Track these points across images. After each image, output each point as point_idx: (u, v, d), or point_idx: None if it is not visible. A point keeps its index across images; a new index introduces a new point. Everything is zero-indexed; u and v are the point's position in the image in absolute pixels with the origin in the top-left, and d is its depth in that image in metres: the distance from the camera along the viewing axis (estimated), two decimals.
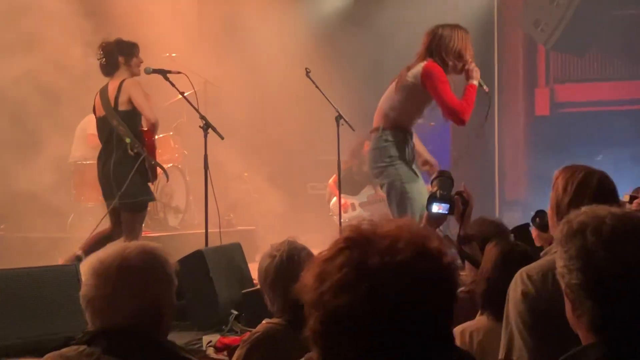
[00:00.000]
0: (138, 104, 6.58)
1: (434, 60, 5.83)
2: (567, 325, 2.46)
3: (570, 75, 12.37)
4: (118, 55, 6.72)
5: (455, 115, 5.90)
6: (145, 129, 6.81)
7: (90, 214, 9.26)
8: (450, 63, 5.87)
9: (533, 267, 2.78)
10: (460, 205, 3.94)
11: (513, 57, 12.39)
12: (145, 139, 6.67)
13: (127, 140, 6.58)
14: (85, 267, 2.46)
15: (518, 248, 3.38)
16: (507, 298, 2.78)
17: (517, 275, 2.78)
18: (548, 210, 3.03)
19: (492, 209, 11.86)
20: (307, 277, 1.43)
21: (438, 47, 5.90)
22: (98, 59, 6.78)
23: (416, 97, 5.90)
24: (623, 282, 1.89)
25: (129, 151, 6.57)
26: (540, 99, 12.28)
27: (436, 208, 3.99)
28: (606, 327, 1.92)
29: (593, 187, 2.85)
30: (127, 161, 6.59)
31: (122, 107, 6.66)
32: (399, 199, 5.80)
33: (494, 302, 3.16)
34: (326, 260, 1.41)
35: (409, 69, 5.91)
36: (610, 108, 11.96)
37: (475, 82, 5.99)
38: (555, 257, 2.03)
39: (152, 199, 6.88)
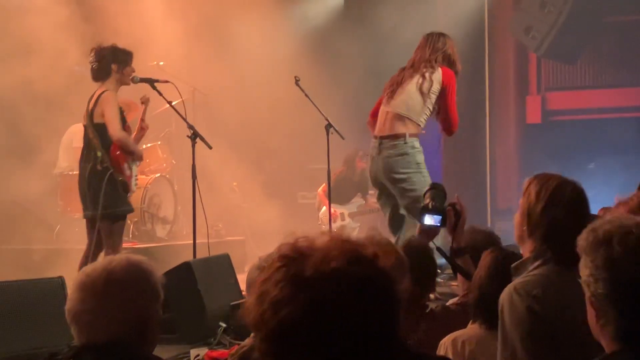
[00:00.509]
0: (107, 118, 6.51)
1: (448, 68, 6.12)
2: (575, 338, 2.41)
3: (561, 83, 12.33)
4: (112, 62, 6.64)
5: (453, 126, 6.22)
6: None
7: (77, 225, 9.16)
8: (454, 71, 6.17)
9: (528, 282, 2.77)
10: (452, 218, 3.92)
11: (504, 64, 12.35)
12: (112, 153, 6.55)
13: (98, 154, 6.51)
14: (72, 281, 2.40)
15: (513, 257, 3.31)
16: (503, 314, 2.74)
17: (512, 292, 2.76)
18: (516, 217, 2.99)
19: (484, 217, 11.79)
20: (249, 301, 1.46)
21: (446, 55, 6.25)
22: (90, 63, 6.68)
23: (436, 102, 6.16)
24: None
25: (97, 165, 6.49)
26: (531, 107, 12.24)
27: (429, 220, 3.98)
28: (631, 336, 1.93)
29: (567, 196, 2.85)
30: (98, 173, 6.51)
31: (96, 119, 6.59)
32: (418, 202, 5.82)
33: (486, 311, 3.15)
34: (264, 281, 1.44)
35: (422, 74, 6.14)
36: (602, 116, 11.93)
37: None
38: (580, 265, 2.05)
39: (126, 210, 6.72)
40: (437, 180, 12.40)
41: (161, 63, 9.68)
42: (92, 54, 6.68)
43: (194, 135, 6.85)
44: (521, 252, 3.02)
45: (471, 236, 4.14)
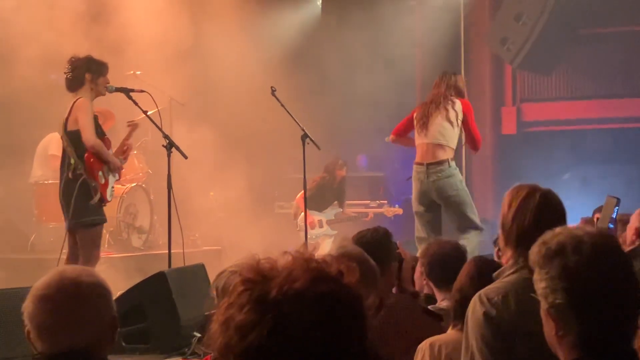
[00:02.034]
0: (80, 125, 6.47)
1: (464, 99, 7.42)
2: (532, 345, 2.44)
3: (536, 94, 12.43)
4: (85, 72, 6.60)
5: (478, 144, 7.57)
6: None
7: (52, 234, 9.10)
8: None
9: (492, 289, 2.83)
10: (395, 263, 4.00)
11: (480, 75, 12.43)
12: (86, 160, 6.51)
13: (72, 161, 6.48)
14: (32, 291, 2.39)
15: (492, 264, 3.44)
16: (467, 319, 2.80)
17: (475, 298, 2.83)
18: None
19: None
20: (213, 328, 1.44)
21: (457, 89, 7.45)
22: (65, 73, 6.65)
23: (461, 127, 7.41)
24: (607, 299, 1.95)
25: (70, 174, 6.47)
26: (506, 118, 12.33)
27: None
28: (591, 343, 1.96)
29: (535, 202, 2.90)
30: (71, 181, 6.48)
31: (70, 127, 6.55)
32: (470, 210, 7.39)
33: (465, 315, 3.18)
34: (229, 306, 1.42)
35: (446, 108, 7.32)
36: (577, 127, 12.04)
37: None
38: (534, 280, 2.07)
39: (98, 220, 6.66)
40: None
41: (138, 72, 9.65)
42: (67, 64, 6.66)
43: (170, 145, 6.84)
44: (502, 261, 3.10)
45: (439, 248, 4.35)
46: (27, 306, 2.35)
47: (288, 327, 1.35)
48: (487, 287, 2.88)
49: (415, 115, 7.55)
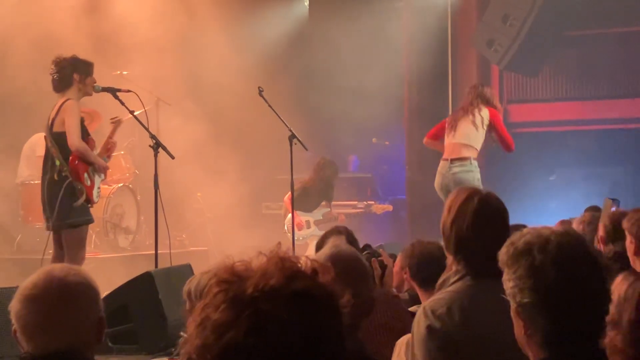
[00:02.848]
0: (67, 127, 6.45)
1: (492, 107, 8.36)
2: (478, 353, 2.44)
3: (523, 95, 12.46)
4: (73, 72, 6.59)
5: (511, 145, 8.41)
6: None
7: (39, 234, 9.07)
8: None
9: (436, 300, 2.80)
10: (379, 269, 4.02)
11: (467, 76, 12.45)
12: (70, 163, 6.49)
13: (57, 163, 6.46)
14: (19, 291, 2.39)
15: None
16: (412, 333, 2.79)
17: (420, 311, 2.80)
18: None
19: None
20: (189, 329, 1.44)
21: (485, 98, 8.37)
22: (51, 74, 6.63)
23: (489, 132, 8.33)
24: (574, 297, 1.97)
25: (55, 175, 6.44)
26: None
27: None
28: (559, 342, 1.97)
29: (473, 207, 2.86)
30: (56, 183, 6.46)
31: (56, 128, 6.53)
32: None
33: None
34: (204, 307, 1.42)
35: (472, 114, 8.25)
36: (564, 128, 12.07)
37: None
38: (503, 280, 2.08)
39: (85, 220, 6.65)
40: (401, 190, 12.50)
41: (125, 72, 9.64)
42: (52, 65, 6.63)
43: (157, 145, 6.83)
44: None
45: (424, 248, 4.40)
46: (14, 305, 2.34)
47: (264, 324, 1.36)
48: (432, 299, 2.85)
49: (446, 120, 8.55)
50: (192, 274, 6.49)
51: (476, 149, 8.28)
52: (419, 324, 2.75)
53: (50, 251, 6.74)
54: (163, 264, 6.89)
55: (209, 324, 1.39)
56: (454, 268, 2.90)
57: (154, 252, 6.90)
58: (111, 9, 10.09)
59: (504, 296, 2.08)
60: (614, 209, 6.75)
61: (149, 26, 10.30)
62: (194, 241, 10.66)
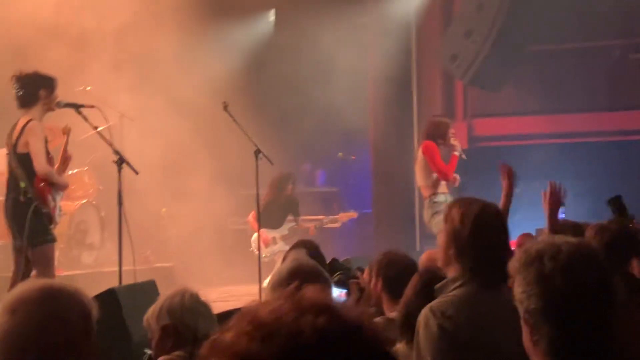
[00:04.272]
0: (32, 150, 6.38)
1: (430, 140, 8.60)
2: (488, 356, 2.46)
3: (487, 110, 12.59)
4: (40, 87, 6.51)
5: (445, 176, 8.59)
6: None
7: (2, 252, 8.95)
8: (440, 141, 8.70)
9: (443, 302, 2.86)
10: (356, 292, 4.03)
11: (431, 91, 12.56)
12: (36, 186, 6.43)
13: (22, 184, 6.39)
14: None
15: (439, 277, 3.40)
16: (418, 333, 2.81)
17: (427, 312, 2.85)
18: (439, 241, 3.07)
19: (413, 242, 11.92)
20: None
21: (429, 132, 8.80)
22: (15, 90, 6.53)
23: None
24: (580, 306, 1.99)
25: (20, 196, 6.37)
26: (458, 133, 12.40)
27: (337, 293, 4.05)
28: (564, 350, 1.99)
29: (491, 220, 2.97)
30: (22, 204, 6.39)
31: (20, 149, 6.45)
32: None
33: (412, 329, 3.17)
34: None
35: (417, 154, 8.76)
36: (527, 142, 12.20)
37: (456, 153, 8.75)
38: (514, 286, 2.10)
39: (49, 239, 6.59)
40: (368, 204, 12.52)
41: (88, 88, 9.57)
42: (14, 81, 6.54)
43: (120, 161, 6.78)
44: (447, 274, 3.10)
45: (394, 260, 4.37)
46: None
47: None
48: (437, 301, 2.90)
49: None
50: (156, 290, 6.45)
51: (427, 185, 8.61)
52: (428, 324, 2.79)
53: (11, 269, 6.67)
54: (127, 280, 6.83)
55: None
56: (455, 274, 2.96)
57: (117, 268, 6.84)
58: (75, 24, 10.02)
59: (510, 303, 2.11)
60: (562, 215, 6.94)
61: (113, 40, 10.26)
62: (159, 257, 10.58)
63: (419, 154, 8.66)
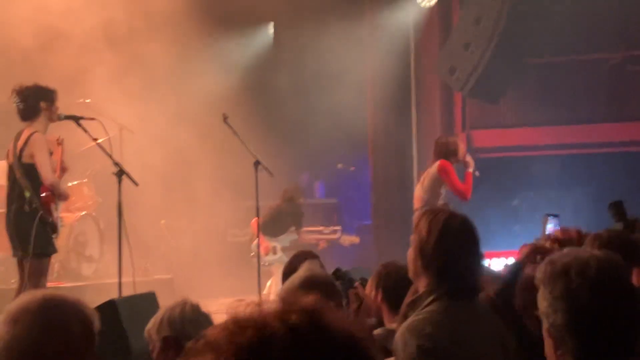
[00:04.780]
0: (38, 161, 6.43)
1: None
2: None
3: (486, 121, 12.61)
4: (40, 100, 6.54)
5: (464, 196, 8.71)
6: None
7: (2, 264, 8.96)
8: (452, 159, 8.70)
9: (419, 320, 2.81)
10: (355, 302, 4.02)
11: (430, 103, 12.57)
12: (41, 195, 6.45)
13: (27, 194, 6.41)
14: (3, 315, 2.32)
15: None
16: (396, 353, 2.78)
17: (404, 331, 2.80)
18: (409, 253, 3.03)
19: None
20: None
21: (442, 151, 8.72)
22: (16, 103, 6.56)
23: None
24: (607, 322, 1.98)
25: (25, 206, 6.39)
26: None
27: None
28: None
29: (456, 228, 2.91)
30: (27, 214, 6.41)
31: (25, 159, 6.50)
32: None
33: None
34: None
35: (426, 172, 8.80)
36: (527, 153, 12.21)
37: (470, 170, 8.80)
38: (538, 297, 2.08)
39: (51, 251, 6.61)
40: (367, 215, 12.51)
41: (88, 100, 9.59)
42: (15, 94, 6.57)
43: (120, 173, 6.79)
44: (417, 287, 3.05)
45: (395, 271, 4.28)
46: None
47: None
48: (412, 319, 2.85)
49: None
50: (156, 302, 6.45)
51: (424, 198, 8.64)
52: (407, 345, 2.75)
53: (13, 280, 6.67)
54: (127, 292, 6.83)
55: None
56: (427, 289, 2.90)
57: (117, 280, 6.84)
58: (75, 35, 10.05)
59: (487, 315, 2.11)
60: (551, 224, 7.03)
61: (112, 53, 10.28)
62: (158, 269, 10.58)
63: (432, 172, 8.62)
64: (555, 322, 2.01)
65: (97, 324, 2.35)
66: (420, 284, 2.96)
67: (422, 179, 8.85)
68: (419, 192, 8.80)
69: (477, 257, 2.95)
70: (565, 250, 2.13)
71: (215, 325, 1.27)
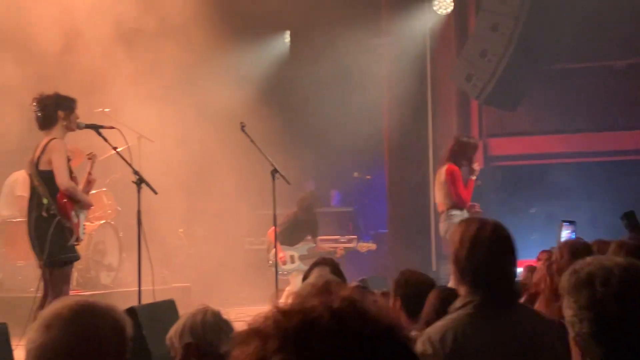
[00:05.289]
0: (55, 166, 6.46)
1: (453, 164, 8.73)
2: None
3: (503, 129, 12.59)
4: (57, 109, 6.59)
5: (463, 203, 8.69)
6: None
7: (21, 273, 9.03)
8: (464, 162, 8.83)
9: (435, 326, 2.86)
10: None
11: (446, 110, 12.58)
12: (58, 201, 6.50)
13: (45, 201, 6.46)
14: (38, 320, 2.34)
15: (455, 295, 3.44)
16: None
17: (422, 338, 2.85)
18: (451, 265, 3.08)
19: (429, 262, 11.90)
20: None
21: (452, 155, 8.80)
22: (34, 112, 6.63)
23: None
24: (632, 331, 1.98)
25: (43, 212, 6.44)
26: None
27: None
28: None
29: (487, 238, 2.94)
30: (45, 220, 6.46)
31: (42, 166, 6.53)
32: None
33: None
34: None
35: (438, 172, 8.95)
36: (543, 161, 12.19)
37: (474, 177, 8.84)
38: (563, 306, 2.09)
39: (73, 258, 6.65)
40: (383, 224, 12.51)
41: (107, 110, 9.65)
42: (34, 103, 6.64)
43: (139, 181, 6.83)
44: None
45: (412, 279, 4.36)
46: (31, 335, 2.26)
47: None
48: (433, 325, 2.91)
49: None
50: (176, 310, 6.48)
51: (445, 203, 8.74)
52: (423, 350, 2.80)
53: (32, 289, 6.71)
54: (146, 300, 6.85)
55: None
56: (461, 297, 2.96)
57: (136, 288, 6.86)
58: (91, 46, 10.13)
59: (519, 324, 2.11)
60: (567, 231, 7.06)
61: (131, 63, 10.34)
62: (177, 277, 10.62)
63: (442, 176, 8.76)
64: (582, 331, 2.02)
65: (129, 330, 2.37)
66: (461, 292, 3.01)
67: (436, 182, 8.96)
68: (439, 197, 8.89)
69: (510, 266, 2.98)
70: (589, 258, 2.12)
71: (258, 314, 1.31)
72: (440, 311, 3.32)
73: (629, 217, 5.76)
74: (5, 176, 9.53)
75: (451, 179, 8.67)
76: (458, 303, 2.94)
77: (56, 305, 2.30)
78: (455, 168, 8.71)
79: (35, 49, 9.41)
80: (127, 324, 2.33)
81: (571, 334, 2.07)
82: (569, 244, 4.95)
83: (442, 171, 8.78)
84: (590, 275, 2.04)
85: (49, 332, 2.23)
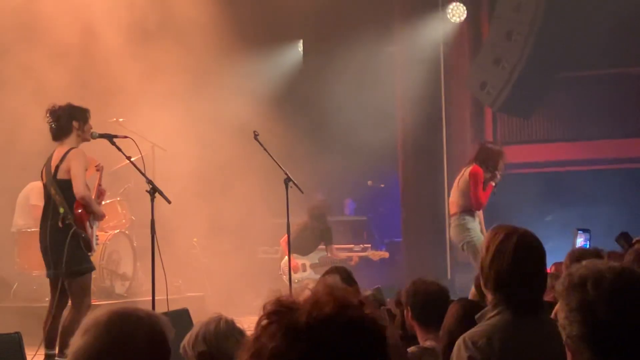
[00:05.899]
0: (73, 174, 6.49)
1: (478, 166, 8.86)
2: None
3: (517, 137, 12.55)
4: (72, 120, 6.63)
5: (478, 205, 8.88)
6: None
7: (35, 282, 9.05)
8: (489, 169, 8.90)
9: (476, 332, 2.89)
10: (386, 318, 4.06)
11: (460, 118, 12.55)
12: (75, 210, 6.51)
13: (61, 210, 6.47)
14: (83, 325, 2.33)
15: (478, 306, 3.44)
16: None
17: (460, 342, 2.88)
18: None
19: (444, 271, 11.85)
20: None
21: (480, 157, 8.93)
22: (48, 123, 6.65)
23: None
24: (622, 334, 1.97)
25: (59, 222, 6.45)
26: None
27: None
28: None
29: (512, 246, 2.95)
30: (61, 230, 6.46)
31: (60, 175, 6.55)
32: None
33: None
34: (257, 339, 1.46)
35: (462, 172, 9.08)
36: (558, 169, 12.14)
37: (493, 184, 8.94)
38: (557, 309, 2.09)
39: (90, 268, 6.67)
40: (398, 233, 12.48)
41: (121, 119, 9.68)
42: (48, 114, 6.67)
43: (153, 190, 6.83)
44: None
45: (424, 288, 4.37)
46: (72, 340, 2.29)
47: (320, 352, 1.39)
48: (471, 331, 2.92)
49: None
50: (190, 319, 6.48)
51: (460, 204, 8.83)
52: (460, 355, 2.83)
53: (47, 298, 6.73)
54: (160, 309, 6.82)
55: (264, 352, 1.43)
56: (491, 304, 2.99)
57: (150, 298, 6.86)
58: (105, 55, 10.17)
59: (550, 332, 2.11)
60: (580, 239, 7.06)
61: (144, 72, 10.37)
62: (190, 287, 10.62)
63: (465, 174, 8.85)
64: (572, 334, 2.01)
65: (171, 335, 2.36)
66: (488, 300, 3.05)
67: (456, 182, 9.00)
68: (454, 197, 8.94)
69: (536, 273, 2.98)
70: (585, 262, 2.12)
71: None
72: (464, 323, 3.31)
73: (625, 238, 5.80)
74: (23, 185, 9.57)
75: (474, 179, 8.79)
76: (490, 310, 2.96)
77: (97, 312, 2.33)
78: (480, 170, 8.82)
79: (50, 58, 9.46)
80: (167, 333, 2.33)
81: (564, 336, 2.06)
82: (575, 252, 4.98)
83: (467, 170, 8.88)
84: (583, 278, 2.03)
85: (84, 338, 2.26)
